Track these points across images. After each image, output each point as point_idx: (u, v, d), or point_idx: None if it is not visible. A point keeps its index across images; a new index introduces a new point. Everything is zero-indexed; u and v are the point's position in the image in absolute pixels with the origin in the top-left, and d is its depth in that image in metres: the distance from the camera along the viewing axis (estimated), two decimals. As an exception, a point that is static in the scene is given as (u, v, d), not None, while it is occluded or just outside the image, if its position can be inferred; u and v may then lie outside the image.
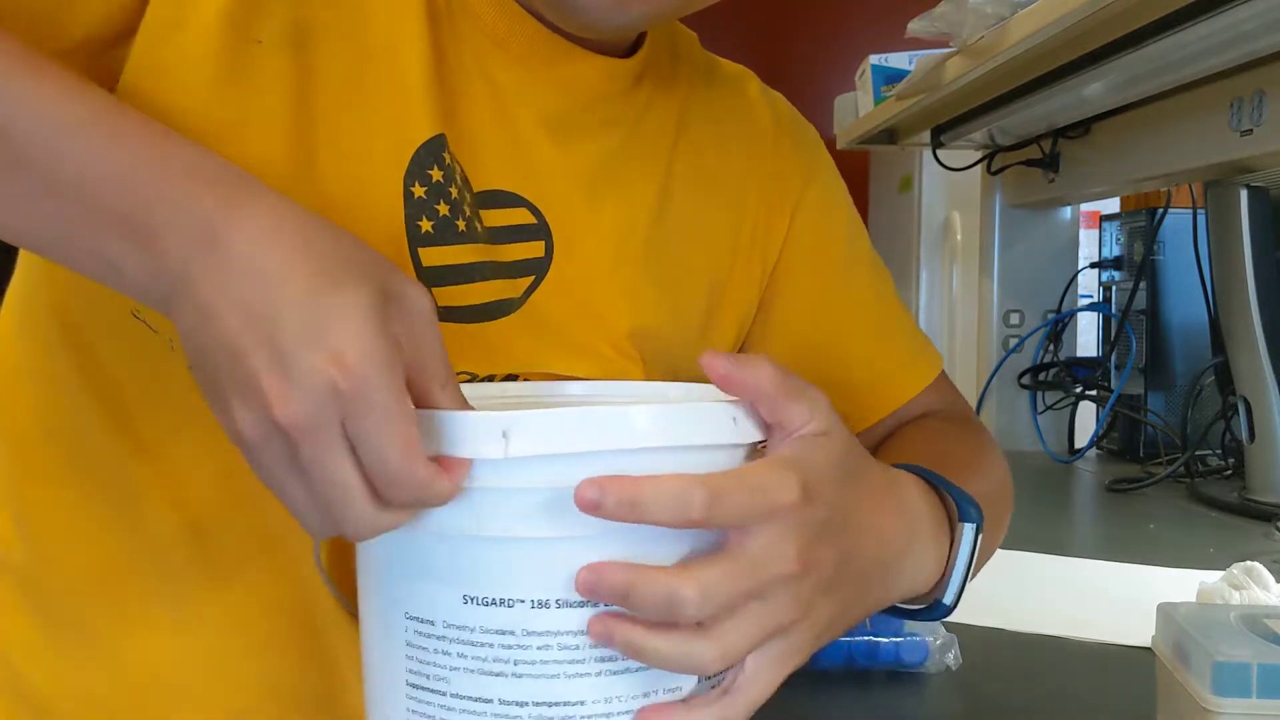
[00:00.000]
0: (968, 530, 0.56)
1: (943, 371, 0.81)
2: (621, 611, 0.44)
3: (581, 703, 0.46)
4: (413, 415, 0.43)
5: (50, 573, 0.63)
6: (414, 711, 0.47)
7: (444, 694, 0.47)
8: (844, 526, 0.49)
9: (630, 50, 0.68)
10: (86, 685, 0.63)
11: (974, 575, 0.64)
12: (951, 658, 0.78)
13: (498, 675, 0.46)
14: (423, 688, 0.47)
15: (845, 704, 0.74)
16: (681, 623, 0.44)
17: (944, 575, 0.57)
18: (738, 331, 0.75)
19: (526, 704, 0.46)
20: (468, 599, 0.46)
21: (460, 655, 0.46)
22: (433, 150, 0.59)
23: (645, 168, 0.68)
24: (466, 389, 0.57)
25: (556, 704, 0.46)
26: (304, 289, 0.42)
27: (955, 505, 0.57)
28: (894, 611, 0.59)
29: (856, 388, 0.76)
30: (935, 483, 0.58)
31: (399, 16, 0.59)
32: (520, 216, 0.63)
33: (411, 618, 0.47)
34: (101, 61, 0.55)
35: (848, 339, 0.77)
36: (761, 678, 0.47)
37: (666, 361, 0.68)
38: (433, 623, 0.46)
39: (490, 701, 0.46)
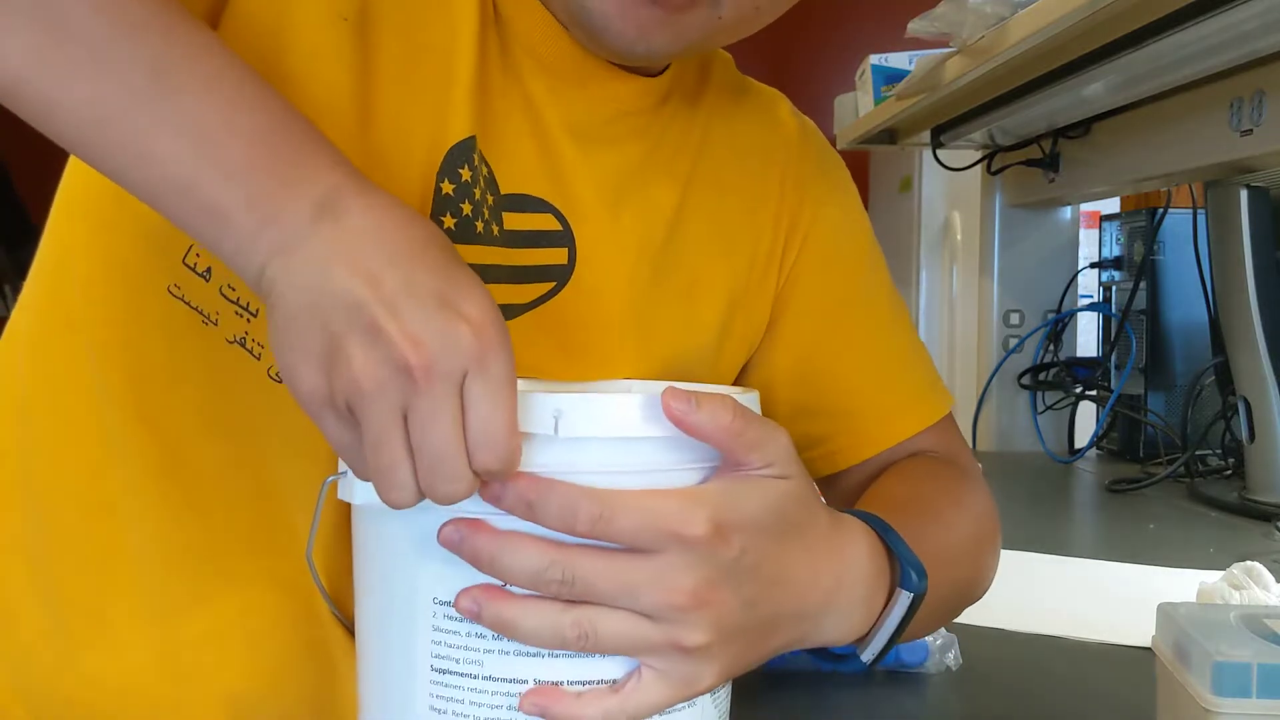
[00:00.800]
0: (903, 598, 0.56)
1: (949, 415, 0.79)
2: (493, 586, 0.46)
3: (615, 680, 0.48)
4: (516, 388, 0.45)
5: (59, 556, 0.64)
6: (439, 698, 0.48)
7: (475, 677, 0.47)
8: (754, 572, 0.50)
9: (660, 70, 0.69)
10: (92, 668, 0.63)
11: (915, 636, 0.65)
12: (951, 658, 0.78)
13: (534, 655, 0.47)
14: (451, 672, 0.47)
15: (845, 704, 0.74)
16: (548, 594, 0.46)
17: (870, 631, 0.57)
18: (748, 348, 0.75)
19: (561, 683, 0.47)
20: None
21: (496, 638, 0.47)
22: (465, 150, 0.60)
23: (666, 180, 0.69)
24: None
25: (590, 682, 0.47)
26: (432, 262, 0.45)
27: (899, 568, 0.57)
28: (812, 651, 0.58)
29: (855, 418, 0.76)
30: (886, 540, 0.58)
31: (453, 18, 0.60)
32: (546, 222, 0.64)
33: (440, 602, 0.47)
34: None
35: (852, 367, 0.76)
36: (655, 691, 0.48)
37: (681, 371, 0.68)
38: None
39: (525, 682, 0.47)
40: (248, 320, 0.59)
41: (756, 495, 0.49)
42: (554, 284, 0.64)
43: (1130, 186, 1.73)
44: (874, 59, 1.81)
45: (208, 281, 0.60)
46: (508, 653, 0.47)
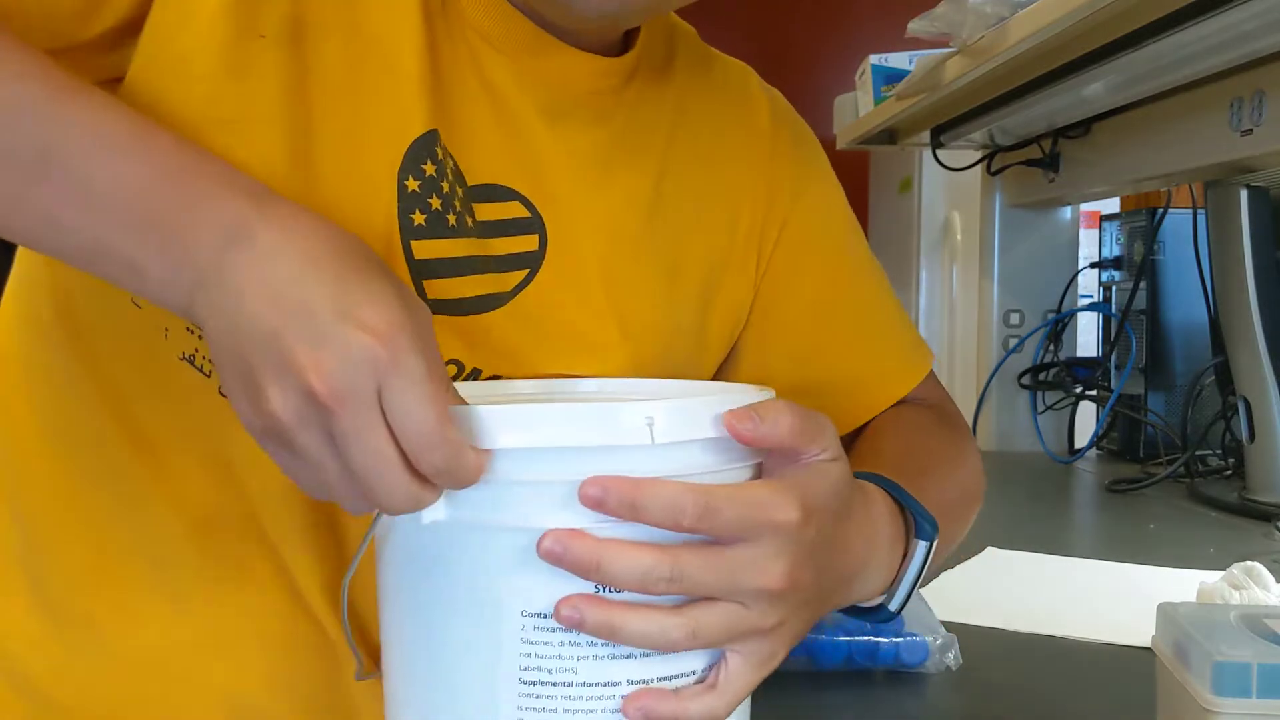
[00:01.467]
0: (921, 547, 0.59)
1: (932, 371, 0.82)
2: (590, 594, 0.47)
3: (696, 670, 0.49)
4: (444, 381, 0.45)
5: (50, 562, 0.64)
6: (529, 709, 0.48)
7: (569, 684, 0.47)
8: (829, 548, 0.52)
9: (623, 49, 0.68)
10: (86, 674, 0.63)
11: (925, 583, 0.66)
12: (951, 658, 0.78)
13: (626, 657, 0.48)
14: (543, 683, 0.47)
15: (845, 704, 0.74)
16: (653, 594, 0.47)
17: (893, 584, 0.59)
18: (733, 325, 0.75)
19: (651, 680, 0.48)
20: (600, 586, 0.47)
21: (590, 644, 0.47)
22: (426, 145, 0.60)
23: (637, 161, 0.69)
24: (482, 387, 0.61)
25: (678, 675, 0.49)
26: (333, 275, 0.45)
27: (913, 521, 0.59)
28: (846, 611, 0.61)
29: (848, 389, 0.77)
30: (897, 497, 0.60)
31: (395, 14, 0.59)
32: (514, 210, 0.64)
33: (530, 614, 0.47)
34: (104, 59, 0.56)
35: (842, 341, 0.78)
36: (744, 677, 0.50)
37: (660, 352, 0.68)
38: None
39: (619, 684, 0.48)
40: (198, 337, 0.59)
41: (823, 480, 0.51)
42: (528, 271, 0.64)
43: (1130, 186, 1.73)
44: (874, 59, 1.81)
45: None
46: (601, 658, 0.47)
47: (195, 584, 0.62)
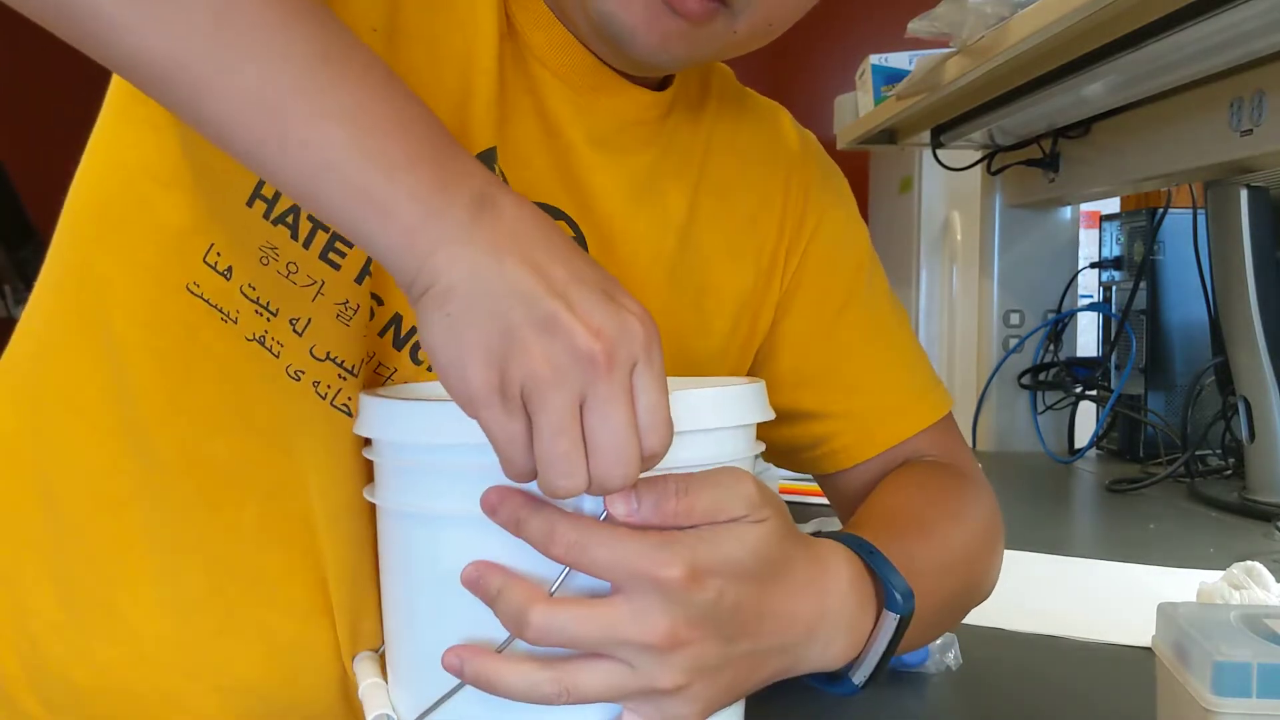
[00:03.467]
0: (890, 619, 0.57)
1: (948, 417, 0.80)
2: (477, 646, 0.49)
3: None
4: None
5: (75, 547, 0.64)
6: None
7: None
8: (734, 614, 0.50)
9: (662, 84, 0.71)
10: (105, 658, 0.64)
11: (940, 635, 0.65)
12: (952, 658, 0.78)
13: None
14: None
15: (845, 704, 0.74)
16: (529, 642, 0.48)
17: (859, 656, 0.57)
18: (753, 348, 0.76)
19: None
20: None
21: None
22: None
23: (673, 188, 0.71)
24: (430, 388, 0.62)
25: None
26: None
27: (884, 590, 0.57)
28: (807, 678, 0.59)
29: (857, 418, 0.77)
30: (869, 562, 0.58)
31: (472, 30, 0.62)
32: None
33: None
34: None
35: (854, 368, 0.77)
36: None
37: (688, 372, 0.69)
38: None
39: None
40: (267, 319, 0.60)
41: (733, 540, 0.50)
42: None
43: (1130, 186, 1.73)
44: (874, 59, 1.81)
45: (228, 280, 0.60)
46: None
47: (217, 575, 0.63)
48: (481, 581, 0.49)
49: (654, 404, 0.46)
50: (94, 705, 0.64)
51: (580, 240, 0.66)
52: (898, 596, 0.57)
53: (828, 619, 0.55)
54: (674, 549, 0.48)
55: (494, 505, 0.48)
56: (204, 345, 0.61)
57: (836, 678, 0.58)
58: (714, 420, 0.52)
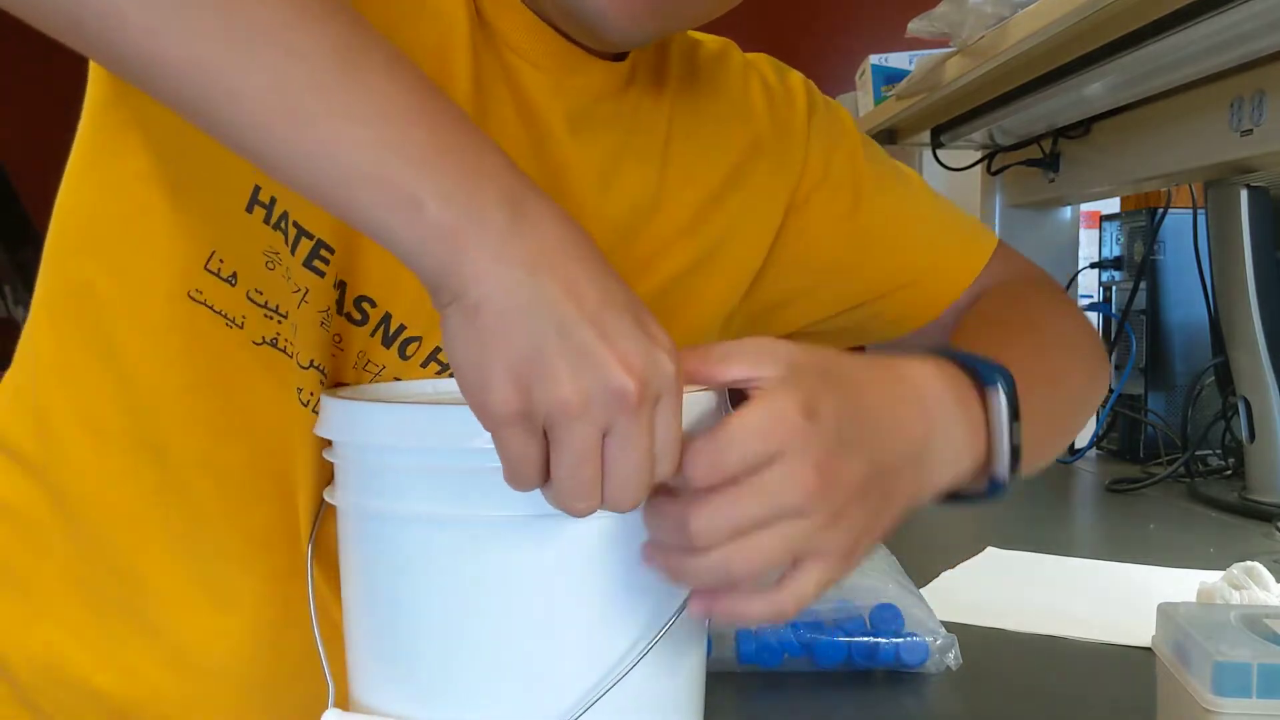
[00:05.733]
0: (994, 395, 0.55)
1: (1000, 246, 0.81)
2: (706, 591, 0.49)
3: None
4: None
5: (95, 554, 0.65)
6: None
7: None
8: (851, 422, 0.50)
9: (620, 54, 0.70)
10: (128, 664, 0.64)
11: (1069, 436, 0.64)
12: (951, 658, 0.78)
13: None
14: None
15: (845, 704, 0.74)
16: (697, 546, 0.47)
17: (990, 447, 0.56)
18: (733, 288, 0.76)
19: None
20: None
21: None
22: None
23: (642, 160, 0.70)
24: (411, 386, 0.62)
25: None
26: (615, 280, 0.46)
27: (977, 371, 0.56)
28: (952, 500, 0.57)
29: (915, 288, 0.78)
30: (950, 357, 0.57)
31: (443, 21, 0.61)
32: None
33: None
34: None
35: (891, 247, 0.78)
36: (810, 577, 0.49)
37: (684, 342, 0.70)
38: None
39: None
40: (278, 322, 0.60)
41: (805, 375, 0.49)
42: None
43: (1130, 186, 1.73)
44: (874, 59, 1.81)
45: (233, 286, 0.60)
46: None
47: (235, 578, 0.64)
48: (666, 560, 0.48)
49: (670, 436, 0.46)
50: (119, 711, 0.65)
51: None
52: (992, 372, 0.55)
53: (936, 417, 0.54)
54: (782, 401, 0.48)
55: (667, 570, 0.48)
56: (211, 352, 0.61)
57: (978, 494, 0.57)
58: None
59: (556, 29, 0.65)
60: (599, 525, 0.49)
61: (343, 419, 0.52)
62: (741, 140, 0.75)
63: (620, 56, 0.70)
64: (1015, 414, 0.55)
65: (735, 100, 0.76)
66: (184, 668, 0.64)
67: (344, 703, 0.54)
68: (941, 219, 0.81)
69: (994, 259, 0.80)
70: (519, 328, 0.43)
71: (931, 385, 0.55)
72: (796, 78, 0.81)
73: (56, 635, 0.65)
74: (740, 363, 0.49)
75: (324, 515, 0.61)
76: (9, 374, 0.70)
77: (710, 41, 0.79)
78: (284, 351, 0.61)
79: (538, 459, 0.45)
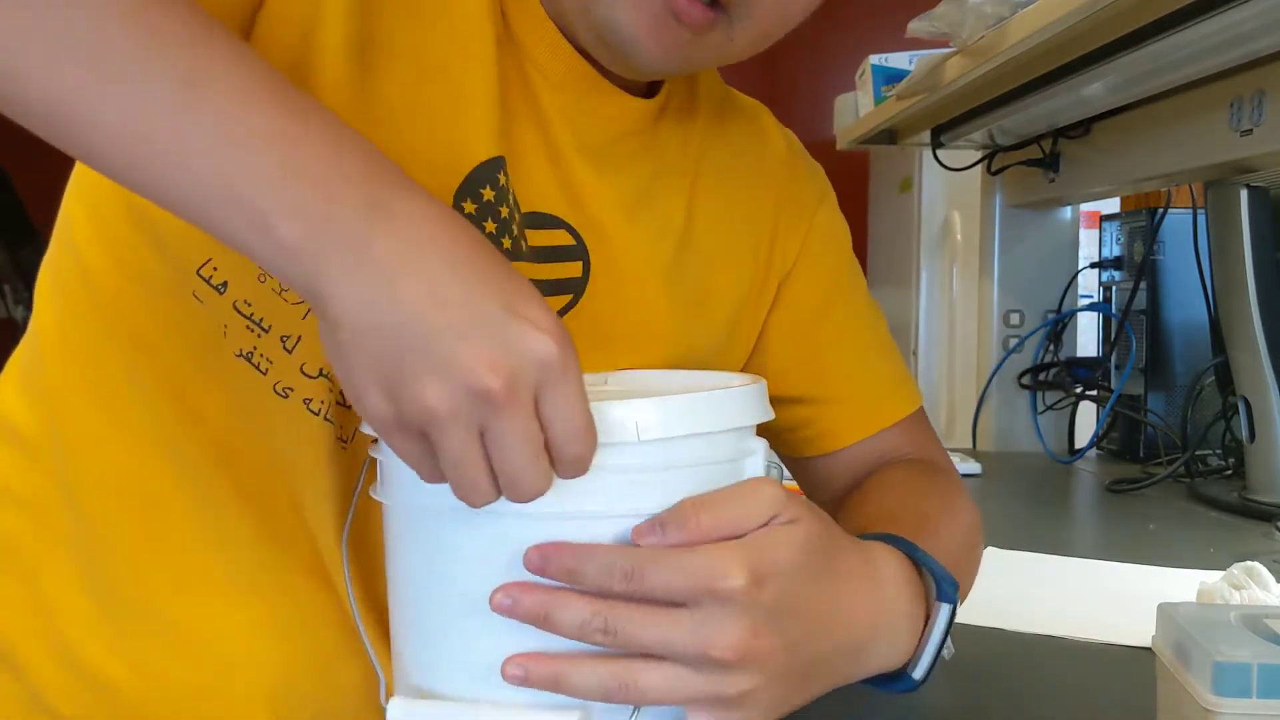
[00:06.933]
0: (944, 610, 0.57)
1: (921, 410, 0.82)
2: (537, 653, 0.50)
3: None
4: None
5: (104, 544, 0.65)
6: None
7: None
8: (795, 614, 0.51)
9: (651, 88, 0.71)
10: (138, 654, 0.64)
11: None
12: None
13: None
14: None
15: (844, 701, 0.74)
16: (594, 644, 0.49)
17: (916, 650, 0.58)
18: (749, 345, 0.78)
19: None
20: None
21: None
22: (489, 170, 0.61)
23: (670, 196, 0.71)
24: None
25: None
26: (486, 269, 0.45)
27: (934, 584, 0.58)
28: (866, 682, 0.59)
29: (836, 406, 0.79)
30: (915, 558, 0.59)
31: (465, 39, 0.61)
32: (561, 238, 0.66)
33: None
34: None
35: (835, 360, 0.80)
36: None
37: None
38: None
39: None
40: (258, 335, 0.61)
41: (779, 541, 0.50)
42: (571, 296, 0.66)
43: (1130, 186, 1.73)
44: (874, 59, 1.81)
45: (222, 295, 0.61)
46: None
47: (252, 572, 0.64)
48: (519, 607, 0.49)
49: (567, 421, 0.45)
50: (129, 703, 0.65)
51: (581, 248, 0.66)
52: (948, 589, 0.57)
53: (887, 615, 0.56)
54: (729, 557, 0.48)
55: (540, 566, 0.49)
56: (205, 354, 0.62)
57: (894, 677, 0.58)
58: (712, 424, 0.52)
59: (586, 54, 0.65)
60: (630, 524, 0.50)
61: None
62: (761, 190, 0.77)
63: (650, 90, 0.70)
64: (948, 631, 0.57)
65: (761, 153, 0.78)
66: (195, 660, 0.64)
67: (390, 693, 0.55)
68: (889, 359, 0.82)
69: (913, 419, 0.81)
70: (376, 344, 0.44)
71: (893, 585, 0.57)
72: (819, 169, 0.83)
73: (65, 624, 0.65)
74: (747, 515, 0.50)
75: (352, 514, 0.62)
76: (12, 358, 0.70)
77: (744, 98, 0.81)
78: (256, 367, 0.61)
79: (428, 458, 0.46)
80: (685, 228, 0.72)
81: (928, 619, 0.57)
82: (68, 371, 0.66)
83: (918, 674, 0.58)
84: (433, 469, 0.46)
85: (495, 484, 0.46)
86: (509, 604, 0.49)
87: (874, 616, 0.55)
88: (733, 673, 0.49)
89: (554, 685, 0.49)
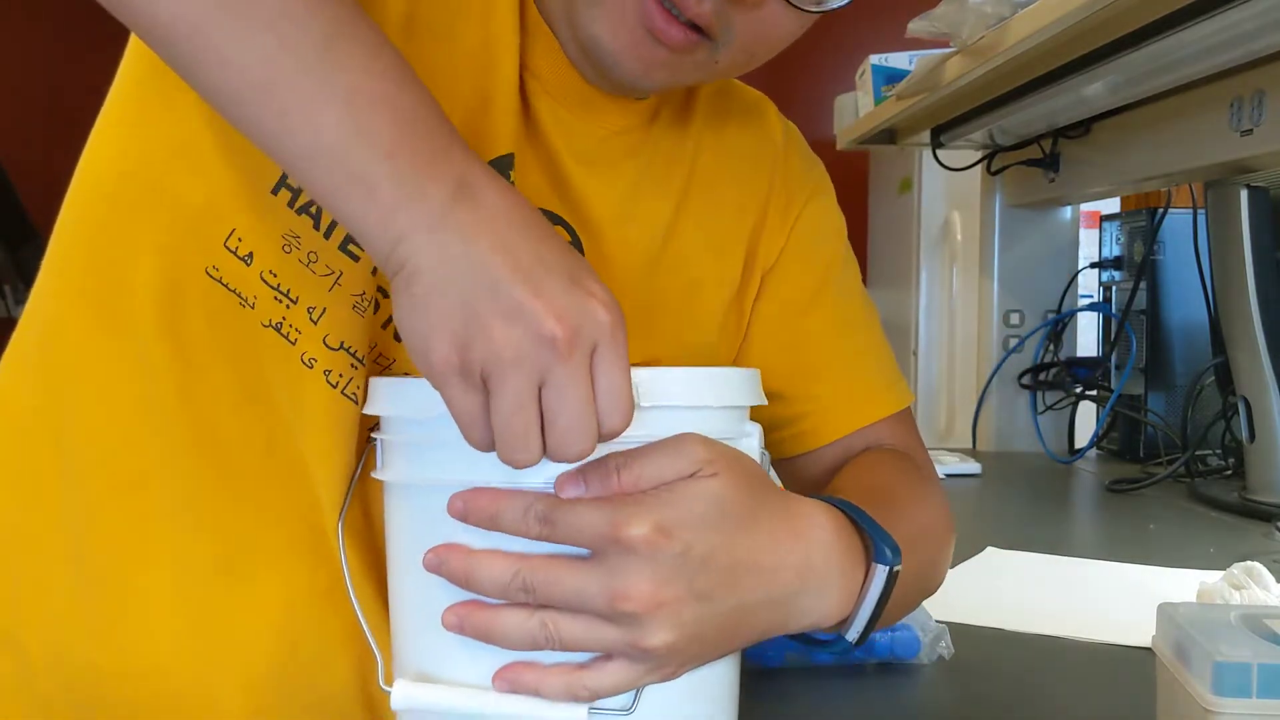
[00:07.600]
0: (879, 572, 0.57)
1: (908, 410, 0.82)
2: (472, 601, 0.52)
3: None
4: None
5: (93, 528, 0.64)
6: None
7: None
8: (706, 564, 0.51)
9: (645, 91, 0.72)
10: (124, 639, 0.64)
11: (901, 616, 0.66)
12: (944, 646, 0.79)
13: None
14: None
15: (840, 698, 0.74)
16: (517, 601, 0.51)
17: (852, 611, 0.57)
18: (740, 336, 0.78)
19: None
20: None
21: None
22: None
23: (661, 190, 0.72)
24: None
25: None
26: (556, 243, 0.49)
27: (872, 544, 0.58)
28: (799, 639, 0.59)
29: (822, 402, 0.78)
30: (855, 519, 0.58)
31: (493, 33, 0.63)
32: (560, 235, 0.66)
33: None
34: None
35: (822, 356, 0.79)
36: (614, 675, 0.51)
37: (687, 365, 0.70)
38: None
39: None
40: (286, 306, 0.61)
41: (690, 495, 0.51)
42: None
43: (1130, 186, 1.73)
44: (874, 59, 1.82)
45: (248, 266, 0.61)
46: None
47: (237, 555, 0.64)
48: (445, 566, 0.51)
49: (614, 384, 0.48)
50: (113, 688, 0.64)
51: (576, 245, 0.68)
52: (887, 550, 0.57)
53: (815, 570, 0.55)
54: (635, 509, 0.50)
55: (463, 511, 0.51)
56: (221, 328, 0.62)
57: (826, 641, 0.59)
58: (689, 399, 0.53)
59: (580, 68, 0.67)
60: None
61: (395, 396, 0.55)
62: (755, 181, 0.77)
63: (646, 95, 0.71)
64: (888, 595, 0.57)
65: (758, 146, 0.78)
66: (175, 647, 0.64)
67: (389, 677, 0.56)
68: (878, 355, 0.82)
69: (899, 418, 0.80)
70: (453, 290, 0.47)
71: (823, 541, 0.56)
72: (818, 162, 0.83)
73: (52, 606, 0.65)
74: (655, 459, 0.52)
75: (349, 497, 0.62)
76: (12, 340, 0.69)
77: (748, 92, 0.81)
78: (286, 338, 0.62)
79: (480, 413, 0.48)
80: (674, 221, 0.72)
81: (865, 581, 0.57)
82: (62, 351, 0.66)
83: (851, 635, 0.57)
84: (484, 427, 0.48)
85: (543, 443, 0.48)
86: (437, 563, 0.51)
87: (799, 569, 0.55)
88: (644, 623, 0.50)
89: (486, 635, 0.51)
